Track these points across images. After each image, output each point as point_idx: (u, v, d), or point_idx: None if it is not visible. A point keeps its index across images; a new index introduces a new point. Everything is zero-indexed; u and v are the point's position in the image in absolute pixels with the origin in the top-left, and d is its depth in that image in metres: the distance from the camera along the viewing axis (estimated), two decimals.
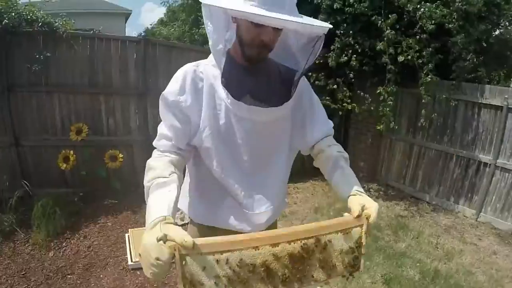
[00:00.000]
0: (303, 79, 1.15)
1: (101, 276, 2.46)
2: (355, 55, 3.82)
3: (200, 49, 4.75)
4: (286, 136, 1.17)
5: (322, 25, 0.95)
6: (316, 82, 3.93)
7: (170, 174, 0.95)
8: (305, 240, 0.86)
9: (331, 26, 0.96)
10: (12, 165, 3.21)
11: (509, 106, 3.45)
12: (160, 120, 1.09)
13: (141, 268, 2.49)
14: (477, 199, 3.85)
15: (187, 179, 1.26)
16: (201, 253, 0.74)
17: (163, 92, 1.04)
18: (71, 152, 3.24)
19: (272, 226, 1.25)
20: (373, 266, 2.78)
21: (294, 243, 0.84)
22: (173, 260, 0.72)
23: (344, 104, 3.95)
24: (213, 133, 1.05)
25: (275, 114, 1.07)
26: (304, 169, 4.56)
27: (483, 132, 3.74)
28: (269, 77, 1.12)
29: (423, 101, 3.69)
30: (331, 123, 1.24)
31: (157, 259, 0.70)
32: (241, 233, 1.05)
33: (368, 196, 1.00)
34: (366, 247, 0.96)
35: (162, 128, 1.06)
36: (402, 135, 4.53)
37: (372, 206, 0.94)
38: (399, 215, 3.90)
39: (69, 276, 2.42)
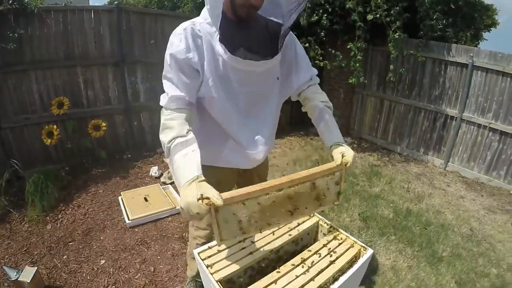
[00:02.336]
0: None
1: (102, 238, 2.56)
2: (325, 14, 3.92)
3: (172, 14, 4.75)
4: (276, 84, 1.34)
5: None
6: None
7: (187, 132, 1.09)
8: (302, 184, 1.14)
9: None
10: None
11: (474, 64, 3.70)
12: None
13: (139, 225, 2.63)
14: (444, 150, 4.18)
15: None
16: (229, 204, 0.97)
17: (171, 52, 1.11)
18: (54, 126, 3.23)
19: (264, 162, 1.53)
20: (351, 207, 3.03)
21: (293, 187, 1.12)
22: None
23: (317, 61, 4.07)
24: (215, 83, 1.18)
25: (267, 66, 1.22)
26: (280, 127, 4.68)
27: (449, 87, 3.99)
28: (258, 31, 1.25)
29: (391, 57, 3.87)
30: (314, 71, 1.42)
31: (197, 213, 0.91)
32: (241, 169, 1.38)
33: None
34: (344, 192, 1.22)
35: (171, 90, 1.13)
36: (373, 91, 4.75)
37: (349, 154, 1.23)
38: (372, 164, 4.18)
39: (70, 243, 2.48)
